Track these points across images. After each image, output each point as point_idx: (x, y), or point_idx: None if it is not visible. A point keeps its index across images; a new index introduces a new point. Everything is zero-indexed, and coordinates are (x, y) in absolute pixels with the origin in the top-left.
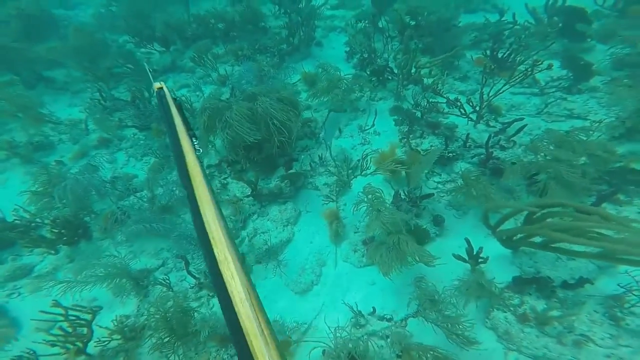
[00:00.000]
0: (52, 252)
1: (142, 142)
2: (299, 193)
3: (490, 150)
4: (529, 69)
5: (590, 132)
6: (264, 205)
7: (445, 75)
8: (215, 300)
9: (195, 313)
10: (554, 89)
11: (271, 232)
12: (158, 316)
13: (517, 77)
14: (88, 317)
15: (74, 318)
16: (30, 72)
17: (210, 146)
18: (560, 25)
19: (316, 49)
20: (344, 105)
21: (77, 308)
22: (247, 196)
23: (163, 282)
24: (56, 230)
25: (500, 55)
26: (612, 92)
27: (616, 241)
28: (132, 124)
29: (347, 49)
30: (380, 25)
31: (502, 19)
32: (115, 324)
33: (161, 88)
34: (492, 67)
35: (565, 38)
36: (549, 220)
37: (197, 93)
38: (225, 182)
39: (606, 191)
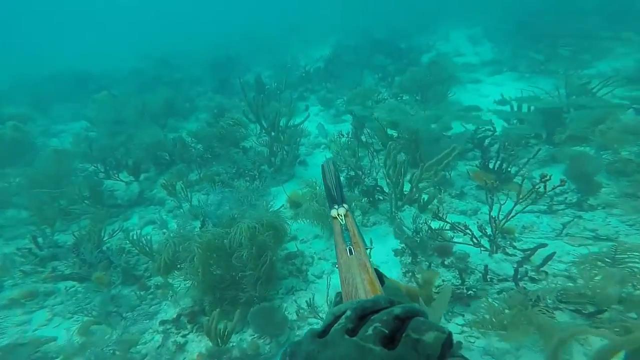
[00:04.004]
0: None
1: (79, 295)
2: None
3: (520, 284)
4: (538, 185)
5: None
6: None
7: (442, 193)
8: None
9: None
10: (563, 206)
11: None
12: None
13: (526, 195)
14: None
15: None
16: None
17: (170, 294)
18: (537, 130)
19: (300, 168)
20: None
21: None
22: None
23: None
24: None
25: (491, 166)
26: (629, 208)
27: None
28: (70, 272)
29: None
30: (364, 139)
31: (480, 127)
32: None
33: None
34: (496, 182)
35: (547, 144)
36: None
37: (163, 230)
38: (184, 340)
39: None
